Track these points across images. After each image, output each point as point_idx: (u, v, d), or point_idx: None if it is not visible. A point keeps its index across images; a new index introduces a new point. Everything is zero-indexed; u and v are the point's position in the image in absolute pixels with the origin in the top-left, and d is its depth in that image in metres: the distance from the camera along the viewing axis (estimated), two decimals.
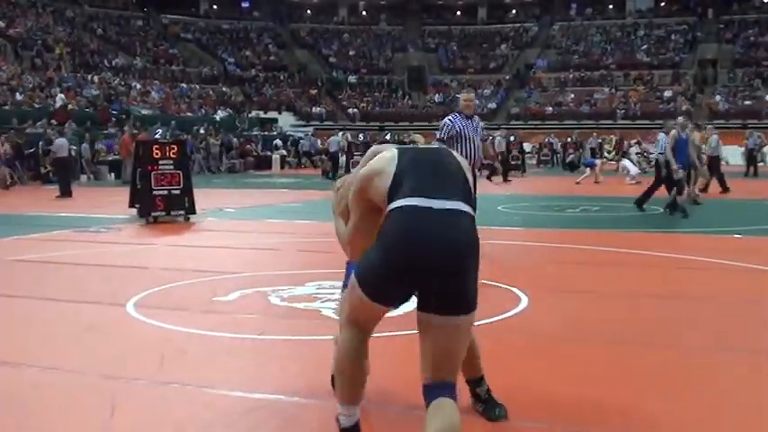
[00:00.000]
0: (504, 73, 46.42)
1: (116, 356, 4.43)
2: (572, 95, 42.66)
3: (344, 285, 3.44)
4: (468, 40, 50.22)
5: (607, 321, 5.34)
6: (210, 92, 40.31)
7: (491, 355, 4.36)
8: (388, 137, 25.62)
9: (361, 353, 2.99)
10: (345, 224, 3.35)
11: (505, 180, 22.33)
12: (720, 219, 12.17)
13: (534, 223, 11.54)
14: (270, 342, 4.79)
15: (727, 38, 44.31)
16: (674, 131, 12.18)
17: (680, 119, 13.04)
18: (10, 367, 4.23)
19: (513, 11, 51.96)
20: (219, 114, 36.66)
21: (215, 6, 50.41)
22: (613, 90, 42.37)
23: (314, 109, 43.33)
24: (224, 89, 41.61)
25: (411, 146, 3.31)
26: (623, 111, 39.99)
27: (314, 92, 45.05)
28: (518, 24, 50.63)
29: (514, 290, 6.13)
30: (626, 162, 22.71)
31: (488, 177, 21.06)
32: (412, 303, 2.91)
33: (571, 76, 44.33)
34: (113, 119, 29.18)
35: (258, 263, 7.95)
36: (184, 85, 39.44)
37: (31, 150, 22.78)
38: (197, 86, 40.25)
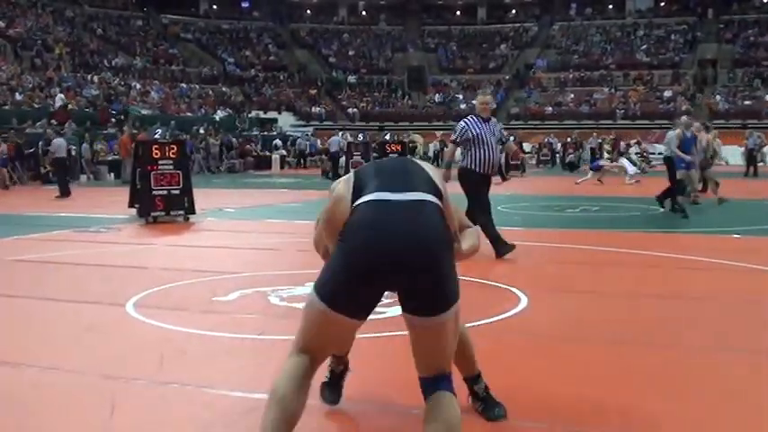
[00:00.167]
0: (503, 73, 46.45)
1: (116, 356, 4.43)
2: (572, 95, 42.69)
3: None
4: (468, 40, 50.25)
5: (607, 321, 5.34)
6: (210, 92, 40.33)
7: (491, 355, 4.36)
8: (387, 137, 25.68)
9: (303, 385, 2.68)
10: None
11: (504, 179, 22.31)
12: (720, 219, 12.17)
13: (534, 223, 11.53)
14: (270, 342, 4.79)
15: (726, 38, 44.34)
16: (678, 130, 12.22)
17: (684, 118, 13.09)
18: (10, 367, 4.22)
19: (513, 11, 52.00)
20: (219, 114, 36.69)
21: (215, 6, 50.45)
22: (613, 90, 42.40)
23: (313, 109, 43.35)
24: (224, 89, 41.64)
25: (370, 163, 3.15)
26: (623, 111, 40.02)
27: (313, 92, 45.08)
28: (518, 24, 50.67)
29: (514, 290, 6.12)
30: (624, 161, 22.69)
31: (503, 178, 20.40)
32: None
33: (571, 76, 44.36)
34: (113, 119, 29.20)
35: (258, 263, 7.95)
36: (184, 85, 39.47)
37: (31, 150, 22.80)
38: (197, 86, 40.29)
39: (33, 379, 4.03)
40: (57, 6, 40.52)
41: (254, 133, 35.64)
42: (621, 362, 4.34)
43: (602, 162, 23.08)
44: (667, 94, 41.02)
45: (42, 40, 35.60)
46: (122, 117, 28.55)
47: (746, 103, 39.12)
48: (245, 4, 51.37)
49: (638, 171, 22.62)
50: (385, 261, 2.56)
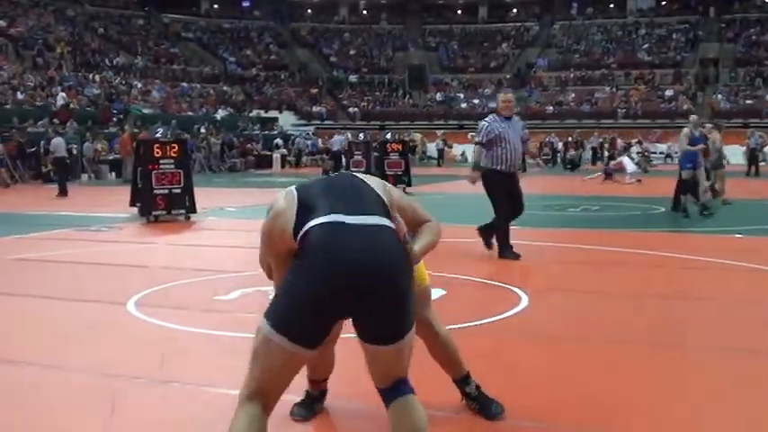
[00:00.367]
0: (504, 72, 46.38)
1: (116, 355, 4.43)
2: (573, 95, 42.64)
3: None
4: (469, 39, 50.20)
5: (607, 321, 5.34)
6: (211, 91, 40.32)
7: (491, 354, 4.36)
8: (388, 136, 25.69)
9: None
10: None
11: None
12: (722, 219, 12.15)
13: (535, 223, 11.53)
14: None
15: (728, 37, 44.27)
16: (686, 129, 12.23)
17: (692, 117, 13.08)
18: (10, 365, 4.23)
19: (514, 10, 51.92)
20: (220, 113, 36.68)
21: (216, 5, 50.42)
22: (614, 89, 42.33)
23: (314, 108, 43.31)
24: (225, 88, 41.62)
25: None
26: (624, 110, 39.96)
27: (314, 91, 45.04)
28: (519, 23, 50.61)
29: (514, 289, 6.12)
30: (625, 160, 22.65)
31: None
32: None
33: (572, 75, 44.30)
34: (114, 118, 29.21)
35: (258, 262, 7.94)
36: (185, 84, 39.46)
37: (33, 149, 22.83)
38: (198, 85, 40.28)
39: (34, 377, 4.03)
40: (58, 6, 40.51)
41: (255, 132, 35.63)
42: (622, 362, 4.33)
43: (612, 164, 22.87)
44: (669, 93, 40.96)
45: (44, 39, 35.59)
46: (123, 116, 28.55)
47: (748, 102, 39.04)
48: (246, 4, 51.33)
49: (639, 170, 22.58)
50: (347, 288, 2.44)
